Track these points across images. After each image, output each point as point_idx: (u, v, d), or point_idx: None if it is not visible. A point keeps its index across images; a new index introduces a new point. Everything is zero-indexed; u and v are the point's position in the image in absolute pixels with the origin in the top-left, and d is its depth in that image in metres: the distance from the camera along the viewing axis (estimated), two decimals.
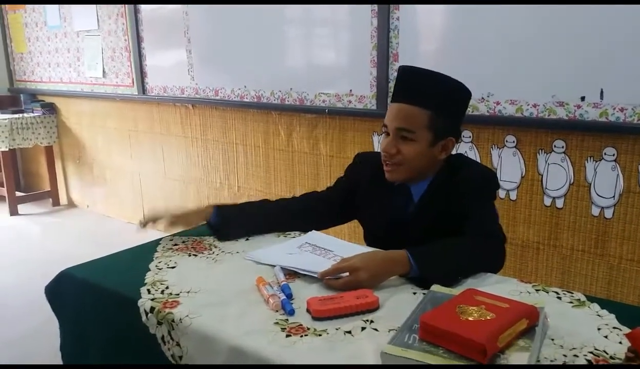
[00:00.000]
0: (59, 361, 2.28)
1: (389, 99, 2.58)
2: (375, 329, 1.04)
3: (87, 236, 4.05)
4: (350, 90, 2.78)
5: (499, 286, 1.23)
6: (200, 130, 3.63)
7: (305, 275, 1.29)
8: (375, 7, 2.59)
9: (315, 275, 1.26)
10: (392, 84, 2.58)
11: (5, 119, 4.39)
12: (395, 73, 2.55)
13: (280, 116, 3.16)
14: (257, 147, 3.33)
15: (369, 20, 2.64)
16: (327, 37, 2.96)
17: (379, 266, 1.23)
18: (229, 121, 3.45)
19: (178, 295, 1.22)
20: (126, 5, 3.76)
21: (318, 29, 2.99)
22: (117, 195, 4.41)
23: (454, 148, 1.49)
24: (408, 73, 1.44)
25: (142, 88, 3.85)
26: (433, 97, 1.38)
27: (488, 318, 0.94)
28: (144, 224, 1.55)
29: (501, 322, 0.92)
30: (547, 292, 1.21)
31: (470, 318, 0.94)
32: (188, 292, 1.23)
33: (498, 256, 1.38)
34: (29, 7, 4.63)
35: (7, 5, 4.86)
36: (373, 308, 1.11)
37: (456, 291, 1.10)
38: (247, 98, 3.24)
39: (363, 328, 1.05)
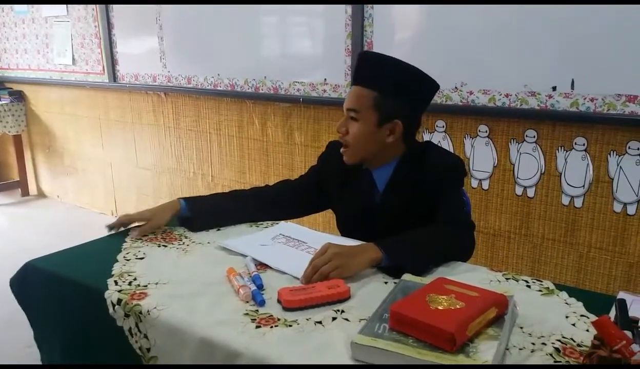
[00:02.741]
0: (30, 351, 2.24)
1: None
2: (346, 319, 1.04)
3: (57, 228, 3.97)
4: (325, 79, 2.76)
5: (470, 274, 1.23)
6: (173, 118, 3.57)
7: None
8: None
9: (294, 275, 1.24)
10: None
11: None
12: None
13: (254, 105, 3.12)
14: (231, 136, 3.29)
15: (343, 9, 2.62)
16: (301, 26, 2.93)
17: (351, 252, 1.23)
18: (202, 110, 3.40)
19: (146, 286, 1.20)
20: None
21: (293, 18, 2.95)
22: (89, 185, 4.32)
23: (412, 134, 1.49)
24: (363, 58, 1.49)
25: (113, 76, 3.77)
26: (380, 79, 1.41)
27: (457, 307, 0.94)
28: (112, 227, 1.52)
29: (470, 311, 0.93)
30: (517, 281, 1.22)
31: (440, 307, 0.94)
32: (157, 283, 1.21)
33: (467, 244, 1.39)
34: None
35: None
36: (344, 298, 1.10)
37: (427, 280, 1.10)
38: (220, 87, 3.20)
39: (334, 318, 1.04)
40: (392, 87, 1.40)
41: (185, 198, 1.58)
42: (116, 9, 3.62)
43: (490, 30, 2.23)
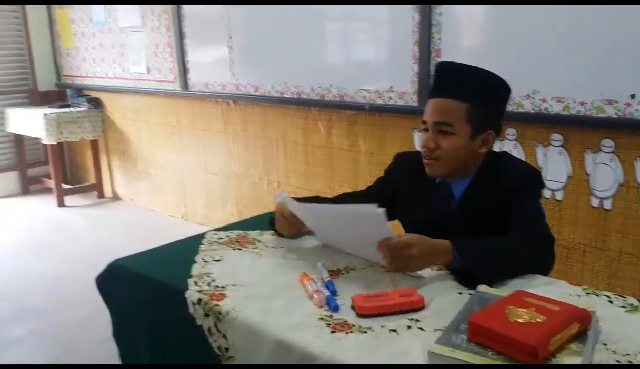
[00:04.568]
0: (106, 347, 2.35)
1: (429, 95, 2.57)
2: (421, 329, 1.04)
3: (130, 229, 4.15)
4: (391, 87, 2.77)
5: (547, 288, 1.20)
6: (241, 125, 3.67)
7: (349, 271, 1.30)
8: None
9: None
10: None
11: (53, 113, 4.54)
12: None
13: (319, 112, 3.16)
14: (296, 143, 3.34)
15: (411, 16, 2.62)
16: (367, 33, 2.95)
17: (427, 246, 1.23)
18: (268, 117, 3.47)
19: (224, 287, 1.24)
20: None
21: (358, 25, 2.98)
22: (160, 189, 4.50)
23: (494, 143, 1.47)
24: (444, 68, 1.46)
25: (185, 84, 3.91)
26: (469, 89, 1.39)
27: (538, 320, 0.92)
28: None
29: (552, 325, 0.91)
30: (598, 295, 1.18)
31: (520, 320, 0.92)
32: (234, 285, 1.25)
33: (547, 257, 1.35)
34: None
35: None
36: (418, 307, 1.10)
37: (504, 292, 1.08)
38: (287, 94, 3.26)
39: (409, 327, 1.04)
40: (482, 97, 1.39)
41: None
42: (188, 18, 3.77)
43: (563, 36, 2.17)
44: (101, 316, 2.47)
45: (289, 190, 3.44)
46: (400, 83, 2.73)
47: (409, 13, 2.62)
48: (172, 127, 4.22)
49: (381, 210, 1.19)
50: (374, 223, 1.22)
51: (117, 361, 1.57)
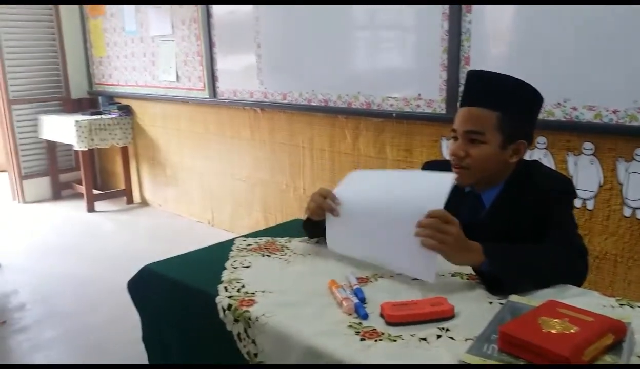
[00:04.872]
0: (134, 350, 2.39)
1: (458, 103, 2.56)
2: (452, 338, 1.03)
3: (158, 234, 4.22)
4: (419, 94, 2.76)
5: (580, 299, 1.18)
6: (268, 133, 3.70)
7: (378, 279, 1.30)
8: (447, 9, 2.56)
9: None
10: (462, 88, 2.54)
11: (85, 120, 4.64)
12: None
13: (346, 120, 3.17)
14: (323, 150, 3.36)
15: (439, 24, 2.61)
16: (395, 41, 2.95)
17: (463, 237, 1.22)
18: (296, 124, 3.50)
19: (254, 293, 1.25)
20: (199, 11, 3.90)
21: (386, 33, 2.99)
22: (187, 194, 4.56)
23: (525, 153, 1.46)
24: (476, 77, 1.45)
25: (213, 92, 3.97)
26: (501, 98, 1.38)
27: (572, 331, 0.91)
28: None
29: (586, 336, 0.89)
30: (632, 307, 1.15)
31: (553, 331, 0.91)
32: (263, 291, 1.26)
33: (580, 268, 1.33)
34: (108, 13, 4.88)
35: (88, 12, 5.14)
36: (448, 316, 1.10)
37: (536, 302, 1.07)
38: (314, 102, 3.28)
39: (439, 336, 1.04)
40: (514, 105, 1.38)
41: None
42: (217, 27, 3.82)
43: (595, 43, 2.14)
44: (129, 319, 2.50)
45: None
46: (428, 91, 2.72)
47: (438, 21, 2.61)
48: (200, 134, 4.28)
49: (453, 176, 1.24)
50: (435, 189, 1.24)
51: (145, 363, 1.60)
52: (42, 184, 5.23)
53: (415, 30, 2.79)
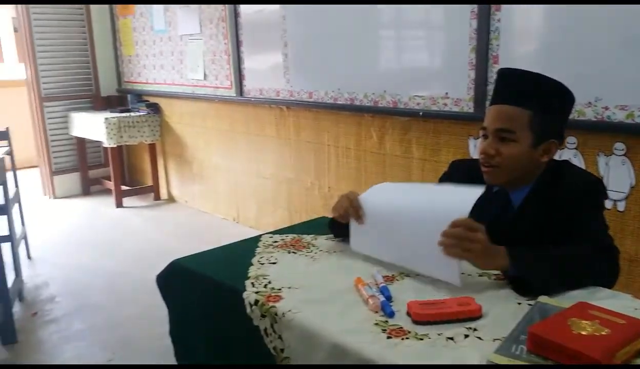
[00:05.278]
0: (161, 344, 2.43)
1: (487, 102, 2.53)
2: (479, 338, 1.02)
3: (184, 230, 4.27)
4: (446, 93, 2.74)
5: (611, 301, 1.16)
6: (294, 131, 3.71)
7: (404, 278, 1.30)
8: (475, 8, 2.54)
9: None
10: (491, 87, 2.51)
11: (114, 118, 4.72)
12: (495, 76, 2.50)
13: (372, 118, 3.17)
14: (348, 148, 3.36)
15: (468, 22, 2.59)
16: (422, 39, 2.94)
17: (490, 250, 1.22)
18: (321, 123, 3.50)
19: (280, 289, 1.27)
20: (227, 10, 3.93)
21: (413, 31, 2.97)
22: (213, 192, 4.61)
23: (556, 153, 1.44)
24: (507, 75, 1.44)
25: (240, 90, 4.00)
26: (532, 97, 1.36)
27: (603, 333, 0.90)
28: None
29: (618, 338, 0.88)
30: None
31: (584, 332, 0.90)
32: (289, 288, 1.27)
33: (611, 269, 1.31)
34: (137, 12, 4.95)
35: (118, 11, 5.23)
36: (475, 316, 1.09)
37: (566, 303, 1.06)
38: (340, 101, 3.28)
39: (466, 336, 1.03)
40: (545, 104, 1.36)
41: None
42: (245, 26, 3.85)
43: (627, 41, 2.09)
44: (156, 313, 2.54)
45: (340, 195, 3.45)
46: (455, 89, 2.70)
47: (467, 20, 2.59)
48: (226, 132, 4.32)
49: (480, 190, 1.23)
50: (464, 195, 1.24)
51: (169, 357, 1.62)
52: (72, 180, 5.35)
53: (443, 28, 2.77)
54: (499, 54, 2.49)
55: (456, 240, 1.21)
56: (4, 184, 3.08)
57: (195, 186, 4.81)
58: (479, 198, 1.50)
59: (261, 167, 4.06)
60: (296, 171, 3.78)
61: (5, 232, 3.04)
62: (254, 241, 1.61)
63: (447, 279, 1.24)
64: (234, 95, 4.06)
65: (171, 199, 5.13)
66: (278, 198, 3.97)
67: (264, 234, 1.66)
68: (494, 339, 1.01)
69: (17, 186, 3.48)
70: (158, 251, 3.71)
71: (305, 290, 1.26)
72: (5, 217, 3.13)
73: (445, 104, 2.75)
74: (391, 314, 1.12)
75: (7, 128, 3.46)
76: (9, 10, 12.58)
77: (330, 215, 1.58)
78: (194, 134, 4.69)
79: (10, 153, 3.44)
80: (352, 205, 1.46)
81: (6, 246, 2.89)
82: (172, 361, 1.61)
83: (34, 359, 2.46)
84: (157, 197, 5.16)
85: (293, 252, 1.51)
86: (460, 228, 1.21)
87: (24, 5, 4.88)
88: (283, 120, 3.78)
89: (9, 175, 3.19)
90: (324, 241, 1.59)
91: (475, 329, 1.05)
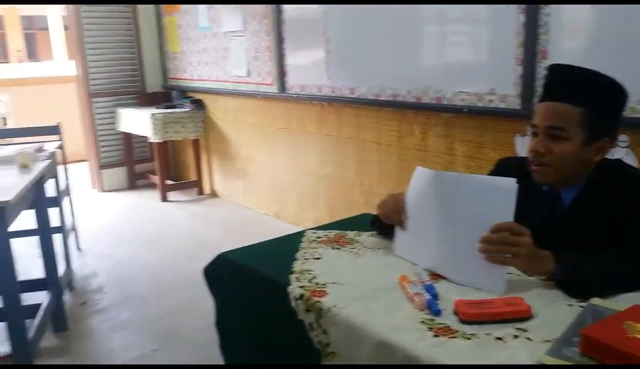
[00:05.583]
0: (203, 335, 2.49)
1: (535, 98, 2.47)
2: (529, 339, 1.00)
3: (226, 225, 4.34)
4: (492, 89, 2.69)
5: None
6: (335, 127, 3.71)
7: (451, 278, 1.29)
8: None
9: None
10: (539, 83, 2.46)
11: (160, 113, 4.83)
12: (544, 72, 2.43)
13: (415, 115, 3.14)
14: (390, 145, 3.34)
15: (514, 17, 2.53)
16: (466, 34, 2.89)
17: (536, 255, 1.20)
18: (363, 119, 3.49)
19: (324, 285, 1.27)
20: (270, 6, 3.96)
21: (457, 26, 2.93)
22: (255, 187, 4.66)
23: (610, 151, 1.39)
24: (558, 71, 1.40)
25: (282, 87, 4.03)
26: (585, 93, 1.32)
27: None
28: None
29: None
30: None
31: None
32: (334, 283, 1.28)
33: None
34: (183, 10, 5.05)
35: (164, 9, 5.34)
36: (525, 316, 1.07)
37: (620, 306, 1.03)
38: (382, 97, 3.26)
39: (515, 336, 1.01)
40: (598, 101, 1.32)
41: None
42: (287, 23, 3.87)
43: None
44: (198, 306, 2.60)
45: (381, 192, 3.44)
46: (502, 85, 2.65)
47: (513, 14, 2.53)
48: (267, 128, 4.36)
49: (515, 185, 1.18)
50: (501, 200, 1.21)
51: (213, 348, 1.66)
52: (119, 174, 5.50)
53: (488, 23, 2.72)
54: (548, 49, 2.43)
55: (500, 246, 1.18)
56: (56, 177, 3.20)
57: (237, 181, 4.87)
58: (526, 198, 1.47)
59: (302, 163, 4.08)
60: (337, 167, 3.78)
61: (57, 224, 3.16)
62: (298, 236, 1.62)
63: (491, 289, 1.20)
64: (276, 91, 4.09)
65: (214, 194, 5.22)
66: (318, 195, 3.98)
67: (307, 230, 1.67)
68: (544, 341, 0.99)
69: (67, 179, 3.61)
70: (201, 244, 3.78)
71: (350, 286, 1.26)
72: (57, 209, 3.25)
73: (491, 100, 2.70)
74: (437, 313, 1.11)
75: (59, 123, 3.58)
76: (59, 9, 13.02)
77: (372, 212, 1.58)
78: (236, 130, 4.75)
79: (61, 147, 3.57)
80: (396, 208, 1.45)
81: (57, 238, 3.00)
82: (214, 352, 1.64)
83: (84, 347, 2.55)
84: (200, 192, 5.25)
85: (337, 248, 1.52)
86: (504, 234, 1.19)
87: (74, 5, 5.05)
88: (324, 116, 3.78)
89: (60, 169, 3.31)
90: (367, 237, 1.59)
91: (524, 330, 1.03)
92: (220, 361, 1.62)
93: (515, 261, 1.20)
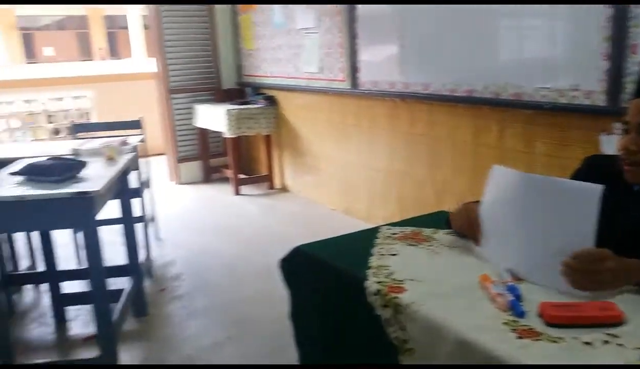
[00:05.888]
0: (275, 327, 2.53)
1: (623, 95, 2.34)
2: (620, 345, 0.96)
3: (297, 219, 4.40)
4: (576, 85, 2.57)
5: None
6: (408, 124, 3.68)
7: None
8: None
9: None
10: (629, 79, 2.33)
11: (234, 110, 4.96)
12: (635, 67, 2.30)
13: (491, 111, 3.05)
14: (464, 142, 3.26)
15: (600, 10, 2.41)
16: (547, 28, 2.76)
17: (622, 263, 1.13)
18: (436, 115, 3.44)
19: (402, 281, 1.27)
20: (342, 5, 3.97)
21: (537, 21, 2.81)
22: (325, 183, 4.70)
23: None
24: None
25: (354, 83, 4.03)
26: None
27: None
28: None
29: None
30: None
31: None
32: (412, 280, 1.27)
33: None
34: (259, 7, 5.15)
35: (240, 8, 5.47)
36: (617, 322, 1.02)
37: None
38: (457, 93, 3.19)
39: (605, 342, 0.97)
40: None
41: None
42: (361, 19, 3.87)
43: None
44: (271, 297, 2.65)
45: (453, 191, 3.38)
46: (586, 81, 2.52)
47: (599, 7, 2.40)
48: (339, 125, 4.37)
49: (599, 192, 1.14)
50: (583, 206, 1.16)
51: (284, 338, 1.68)
52: (195, 167, 5.71)
53: (570, 17, 2.59)
54: (639, 43, 2.29)
55: (582, 274, 1.13)
56: (138, 170, 3.36)
57: (307, 176, 4.93)
58: (617, 198, 1.40)
59: (373, 160, 4.07)
60: (408, 164, 3.74)
61: (138, 214, 3.32)
62: (373, 232, 1.62)
63: (578, 292, 1.14)
64: (348, 87, 4.10)
65: (284, 189, 5.30)
66: (389, 192, 3.96)
67: (382, 225, 1.66)
68: (636, 348, 0.94)
69: (148, 172, 3.78)
70: (272, 237, 3.86)
71: (428, 283, 1.25)
72: (138, 200, 3.42)
73: (575, 97, 2.58)
74: (521, 314, 1.08)
75: (141, 118, 3.76)
76: (139, 9, 13.62)
77: (445, 210, 1.56)
78: (308, 126, 4.80)
79: (143, 141, 3.74)
80: (470, 222, 1.44)
81: (138, 227, 3.15)
82: (285, 342, 1.67)
83: (162, 333, 2.67)
84: (271, 186, 5.35)
85: (413, 245, 1.50)
86: (585, 264, 1.12)
87: (155, 5, 5.28)
88: (396, 112, 3.75)
89: (142, 162, 3.47)
90: (444, 235, 1.56)
91: (616, 336, 0.99)
92: (292, 351, 1.65)
93: (599, 287, 1.13)
